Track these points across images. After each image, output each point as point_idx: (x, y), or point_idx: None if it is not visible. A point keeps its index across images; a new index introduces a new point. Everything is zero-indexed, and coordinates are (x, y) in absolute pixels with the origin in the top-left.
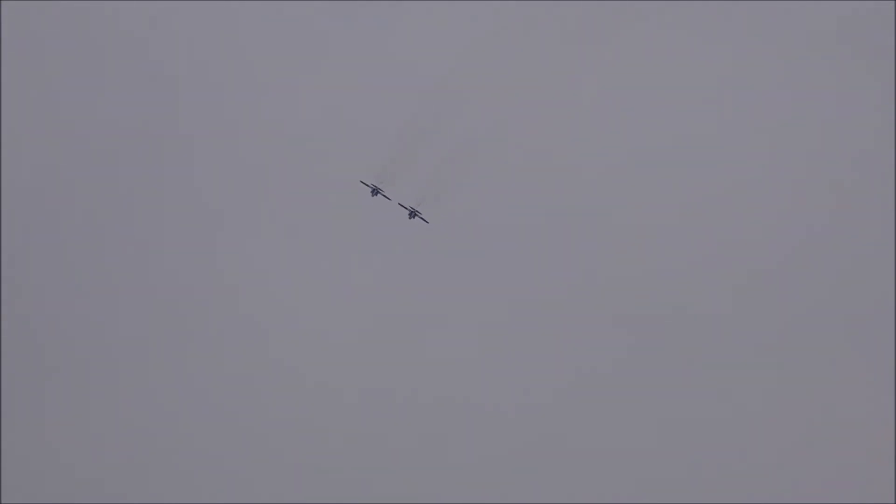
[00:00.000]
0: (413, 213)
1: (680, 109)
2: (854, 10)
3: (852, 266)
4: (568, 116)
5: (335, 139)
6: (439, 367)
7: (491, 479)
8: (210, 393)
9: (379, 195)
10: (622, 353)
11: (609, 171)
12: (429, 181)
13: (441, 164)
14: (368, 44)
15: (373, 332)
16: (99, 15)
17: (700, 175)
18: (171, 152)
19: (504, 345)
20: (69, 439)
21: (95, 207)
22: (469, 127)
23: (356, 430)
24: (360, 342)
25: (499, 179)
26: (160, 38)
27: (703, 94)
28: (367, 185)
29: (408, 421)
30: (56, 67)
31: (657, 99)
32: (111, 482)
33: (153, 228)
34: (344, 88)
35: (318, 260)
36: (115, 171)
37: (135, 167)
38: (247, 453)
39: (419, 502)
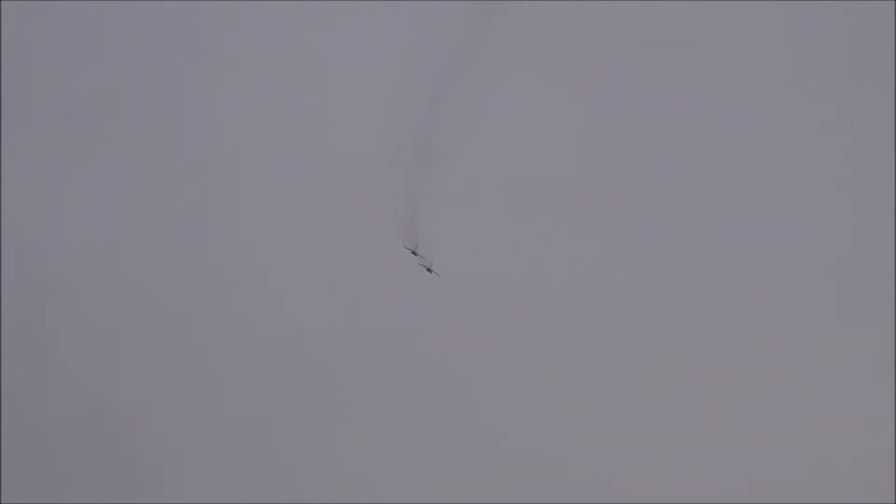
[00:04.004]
0: (429, 270)
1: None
2: (854, 10)
3: (853, 262)
4: None
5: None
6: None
7: None
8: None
9: (418, 255)
10: None
11: None
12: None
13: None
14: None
15: None
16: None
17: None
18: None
19: None
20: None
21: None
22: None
23: None
24: None
25: None
26: (159, 32)
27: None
28: (407, 249)
29: None
30: (55, 67)
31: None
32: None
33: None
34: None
35: None
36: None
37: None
38: None
39: None
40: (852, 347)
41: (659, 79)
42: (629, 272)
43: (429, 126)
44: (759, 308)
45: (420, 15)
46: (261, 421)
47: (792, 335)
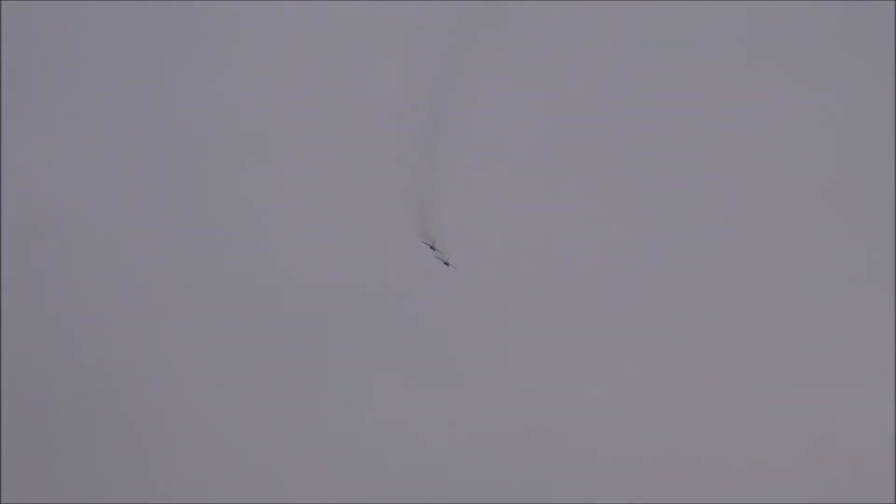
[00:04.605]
0: (446, 263)
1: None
2: (854, 10)
3: (853, 269)
4: None
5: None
6: None
7: None
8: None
9: (436, 249)
10: None
11: None
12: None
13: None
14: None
15: None
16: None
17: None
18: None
19: None
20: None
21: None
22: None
23: None
24: None
25: None
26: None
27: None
28: (425, 244)
29: None
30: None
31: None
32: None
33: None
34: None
35: None
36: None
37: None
38: None
39: None
40: (853, 347)
41: (662, 68)
42: (634, 253)
43: (434, 116)
44: (762, 302)
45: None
46: (257, 390)
47: (794, 334)
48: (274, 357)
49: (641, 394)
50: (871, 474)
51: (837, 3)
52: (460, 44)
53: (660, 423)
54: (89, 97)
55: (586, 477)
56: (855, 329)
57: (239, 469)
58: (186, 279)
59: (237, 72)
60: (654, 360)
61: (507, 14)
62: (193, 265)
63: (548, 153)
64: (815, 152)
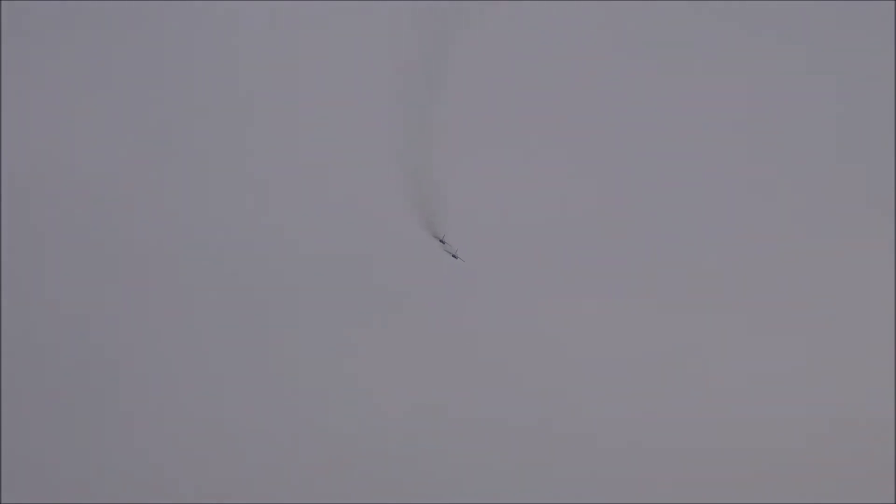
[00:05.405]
0: (454, 256)
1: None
2: (854, 9)
3: (853, 268)
4: None
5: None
6: None
7: None
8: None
9: (445, 243)
10: None
11: None
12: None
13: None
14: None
15: None
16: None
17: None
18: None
19: None
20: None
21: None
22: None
23: None
24: None
25: None
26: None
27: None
28: (435, 238)
29: None
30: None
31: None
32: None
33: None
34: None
35: None
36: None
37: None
38: None
39: None
40: (854, 346)
41: (662, 68)
42: (634, 252)
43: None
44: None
45: None
46: (257, 388)
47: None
48: (274, 355)
49: (642, 393)
50: (871, 474)
51: (837, 3)
52: (460, 43)
53: (660, 422)
54: (88, 93)
55: (587, 476)
56: (856, 328)
57: (239, 469)
58: (186, 277)
59: (236, 70)
60: (654, 358)
61: (507, 13)
62: (193, 263)
63: (547, 152)
64: (815, 152)
